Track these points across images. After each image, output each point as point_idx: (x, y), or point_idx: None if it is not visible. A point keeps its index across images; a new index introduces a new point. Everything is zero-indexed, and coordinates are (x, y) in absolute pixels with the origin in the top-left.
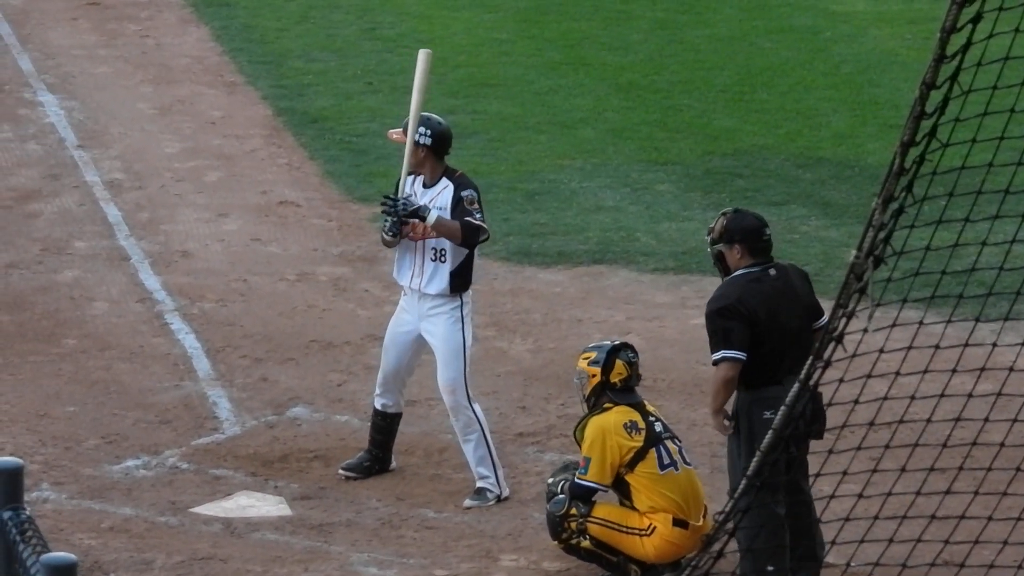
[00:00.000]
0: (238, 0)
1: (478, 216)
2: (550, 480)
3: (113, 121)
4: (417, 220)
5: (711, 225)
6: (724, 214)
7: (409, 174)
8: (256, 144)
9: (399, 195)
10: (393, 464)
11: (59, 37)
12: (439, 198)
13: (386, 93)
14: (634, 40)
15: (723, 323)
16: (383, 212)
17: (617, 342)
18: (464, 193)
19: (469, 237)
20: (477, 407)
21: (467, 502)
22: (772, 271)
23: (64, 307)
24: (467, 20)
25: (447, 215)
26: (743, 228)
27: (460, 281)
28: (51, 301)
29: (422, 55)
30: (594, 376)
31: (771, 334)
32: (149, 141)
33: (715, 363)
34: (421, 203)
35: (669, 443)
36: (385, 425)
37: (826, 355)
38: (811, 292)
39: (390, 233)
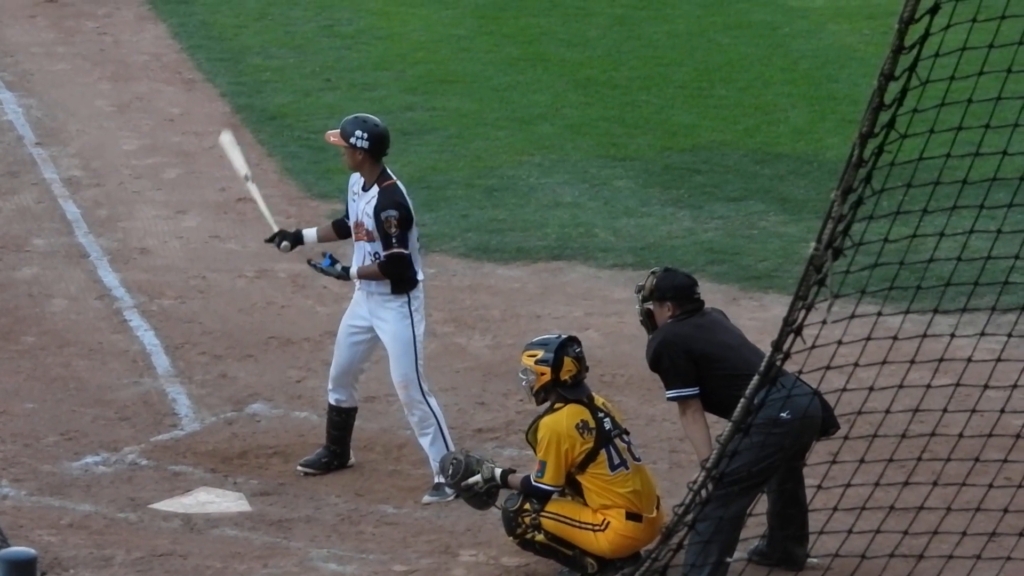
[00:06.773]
0: None
1: (395, 240)
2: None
3: (71, 118)
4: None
5: (640, 283)
6: (654, 273)
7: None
8: (214, 141)
9: (275, 238)
10: (352, 460)
11: (17, 34)
12: (369, 205)
13: (344, 90)
14: (592, 36)
15: (668, 362)
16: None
17: (562, 337)
18: (383, 215)
19: (389, 272)
20: (433, 401)
21: (426, 498)
22: (700, 313)
23: (23, 304)
24: (425, 16)
25: (373, 222)
26: (674, 287)
27: (402, 280)
28: (9, 298)
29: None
30: (543, 375)
31: (722, 353)
32: (107, 138)
33: (670, 400)
34: (344, 265)
35: (618, 440)
36: (340, 420)
37: (785, 347)
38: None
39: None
